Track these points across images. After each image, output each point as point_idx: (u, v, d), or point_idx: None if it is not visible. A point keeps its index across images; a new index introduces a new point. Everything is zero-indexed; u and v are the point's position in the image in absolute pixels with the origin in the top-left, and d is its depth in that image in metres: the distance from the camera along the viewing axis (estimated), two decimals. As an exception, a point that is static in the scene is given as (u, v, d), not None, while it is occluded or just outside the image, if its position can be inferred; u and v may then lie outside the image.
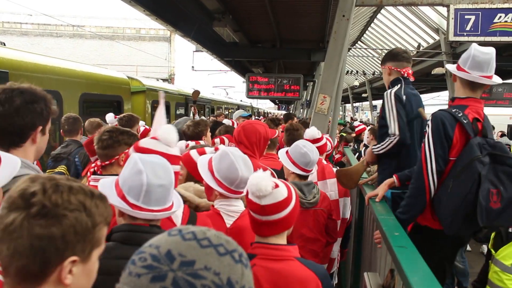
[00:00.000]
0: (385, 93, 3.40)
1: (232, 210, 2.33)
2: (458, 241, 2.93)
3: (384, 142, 3.35)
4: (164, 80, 19.48)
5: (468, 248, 7.79)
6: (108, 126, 4.18)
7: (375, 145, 3.54)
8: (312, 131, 4.29)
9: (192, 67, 22.34)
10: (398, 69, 3.45)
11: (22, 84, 1.98)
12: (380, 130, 3.55)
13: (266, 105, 68.53)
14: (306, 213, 3.19)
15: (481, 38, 6.59)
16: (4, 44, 6.80)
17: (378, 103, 49.00)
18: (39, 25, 41.71)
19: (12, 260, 1.03)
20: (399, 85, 3.38)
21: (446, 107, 2.99)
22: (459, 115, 2.66)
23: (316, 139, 4.17)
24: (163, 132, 2.15)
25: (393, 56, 3.54)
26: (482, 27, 6.52)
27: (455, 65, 2.89)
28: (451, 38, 6.64)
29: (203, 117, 12.62)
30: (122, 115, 5.64)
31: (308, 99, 23.80)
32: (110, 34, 41.41)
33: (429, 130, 2.71)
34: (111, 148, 2.76)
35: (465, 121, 2.64)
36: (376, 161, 3.56)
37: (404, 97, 3.28)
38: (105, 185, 1.79)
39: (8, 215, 1.04)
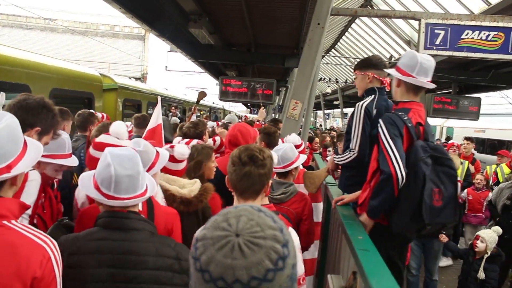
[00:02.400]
0: (357, 104, 3.40)
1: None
2: (404, 238, 3.11)
3: (344, 155, 3.44)
4: (136, 79, 19.27)
5: (449, 262, 8.08)
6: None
7: (336, 155, 3.67)
8: (293, 138, 4.40)
9: (166, 67, 22.22)
10: (380, 78, 3.46)
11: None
12: (346, 137, 3.61)
13: (238, 108, 68.60)
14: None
15: (450, 53, 6.83)
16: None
17: (349, 110, 49.70)
18: (8, 16, 40.52)
19: None
20: (372, 96, 3.38)
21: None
22: (405, 118, 2.83)
23: (296, 146, 4.28)
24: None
25: (375, 64, 3.52)
26: (451, 42, 6.75)
27: (395, 70, 3.06)
28: (421, 51, 6.82)
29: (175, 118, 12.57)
30: (137, 114, 5.67)
31: (280, 104, 23.97)
32: (83, 29, 40.61)
33: (382, 129, 2.83)
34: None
35: (409, 125, 2.81)
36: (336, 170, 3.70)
37: (374, 111, 3.27)
38: (84, 178, 2.00)
39: None
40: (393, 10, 11.07)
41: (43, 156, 2.38)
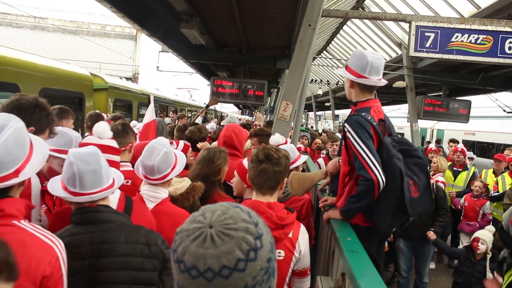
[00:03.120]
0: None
1: (153, 196, 2.60)
2: (381, 235, 3.14)
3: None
4: (127, 79, 19.16)
5: (432, 266, 8.01)
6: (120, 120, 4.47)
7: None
8: (276, 138, 4.41)
9: (157, 67, 22.06)
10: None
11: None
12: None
13: (229, 109, 68.54)
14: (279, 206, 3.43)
15: (439, 55, 6.89)
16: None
17: (340, 112, 49.87)
18: (-3, 14, 40.20)
19: None
20: None
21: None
22: (369, 117, 2.84)
23: (280, 145, 4.32)
24: (97, 127, 2.50)
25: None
26: (441, 44, 6.81)
27: (346, 71, 3.05)
28: (412, 53, 6.88)
29: (167, 118, 12.53)
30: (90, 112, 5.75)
31: (271, 105, 23.99)
32: (74, 28, 40.33)
33: (350, 133, 2.82)
34: (127, 137, 3.32)
35: (374, 123, 2.83)
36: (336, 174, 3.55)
37: None
38: (53, 182, 2.10)
39: None
40: (384, 12, 11.15)
41: (50, 150, 2.50)
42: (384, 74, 17.20)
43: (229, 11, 9.82)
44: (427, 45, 6.81)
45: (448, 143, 11.01)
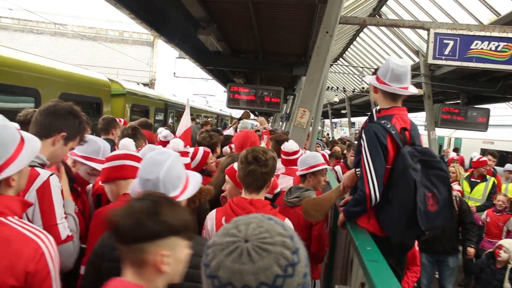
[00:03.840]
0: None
1: None
2: (402, 246, 3.06)
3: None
4: (145, 84, 19.34)
5: None
6: (132, 123, 4.59)
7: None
8: (290, 145, 4.45)
9: (174, 73, 22.23)
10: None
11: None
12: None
13: (245, 116, 68.60)
14: (286, 211, 3.51)
15: (458, 63, 6.80)
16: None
17: (356, 120, 49.58)
18: (19, 20, 40.93)
19: None
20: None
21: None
22: (388, 126, 2.79)
23: (293, 152, 4.43)
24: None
25: None
26: (460, 52, 6.72)
27: (375, 76, 3.05)
28: (430, 61, 6.80)
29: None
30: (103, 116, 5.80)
31: (288, 112, 23.94)
32: (92, 34, 40.91)
33: (364, 142, 2.82)
34: (136, 141, 3.45)
35: (393, 132, 2.77)
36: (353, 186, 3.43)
37: None
38: (134, 183, 2.14)
39: None
40: (401, 19, 11.06)
41: (77, 155, 2.74)
42: (401, 81, 17.11)
43: (246, 18, 9.85)
44: (446, 52, 6.73)
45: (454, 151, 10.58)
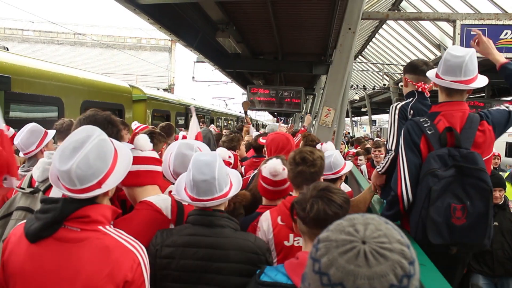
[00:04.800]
0: (391, 106, 3.28)
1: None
2: (451, 258, 2.69)
3: (384, 160, 3.25)
4: (164, 90, 19.48)
5: None
6: (149, 128, 4.58)
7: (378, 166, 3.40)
8: (329, 146, 4.31)
9: (193, 77, 22.35)
10: (414, 82, 3.26)
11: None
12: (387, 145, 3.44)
13: (264, 118, 68.64)
14: None
15: (487, 54, 6.57)
16: (7, 49, 6.75)
17: (377, 117, 49.12)
18: (40, 32, 41.77)
19: None
20: (411, 99, 3.24)
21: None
22: (425, 125, 2.59)
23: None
24: (137, 140, 2.51)
25: (412, 68, 3.34)
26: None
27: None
28: (457, 53, 6.60)
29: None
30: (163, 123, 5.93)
31: (308, 112, 23.80)
32: (111, 42, 41.45)
33: (401, 138, 2.68)
34: (155, 146, 3.40)
35: (429, 132, 2.56)
36: (384, 184, 3.36)
37: (411, 112, 3.12)
38: (179, 183, 2.30)
39: None
40: (426, 12, 10.82)
41: None
42: (424, 76, 16.87)
43: (265, 19, 9.77)
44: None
45: None
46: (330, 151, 3.88)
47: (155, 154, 2.52)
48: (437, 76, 2.69)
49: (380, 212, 3.06)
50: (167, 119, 12.23)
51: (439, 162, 2.45)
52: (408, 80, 3.32)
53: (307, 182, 2.41)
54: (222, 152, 3.77)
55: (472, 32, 5.89)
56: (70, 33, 39.16)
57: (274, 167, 2.79)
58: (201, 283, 2.01)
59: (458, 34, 6.53)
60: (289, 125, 7.55)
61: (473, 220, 2.38)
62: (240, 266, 2.02)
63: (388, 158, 3.18)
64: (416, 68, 3.30)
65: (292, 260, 1.87)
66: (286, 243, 2.48)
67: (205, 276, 2.01)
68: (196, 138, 4.18)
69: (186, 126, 13.60)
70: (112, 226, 1.79)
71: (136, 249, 1.73)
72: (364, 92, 30.38)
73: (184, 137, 5.83)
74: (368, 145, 9.54)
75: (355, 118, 55.28)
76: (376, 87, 25.58)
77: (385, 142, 3.79)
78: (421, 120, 2.63)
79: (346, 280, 0.86)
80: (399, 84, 17.41)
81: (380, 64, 21.53)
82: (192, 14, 9.93)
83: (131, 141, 4.00)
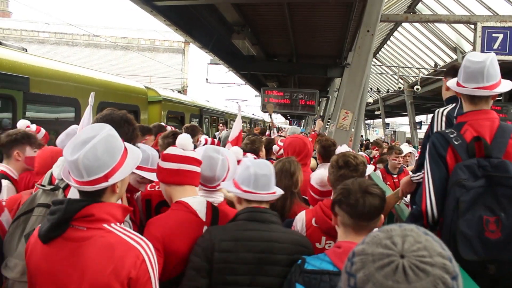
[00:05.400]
0: (436, 111, 3.12)
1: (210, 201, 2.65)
2: (490, 278, 2.42)
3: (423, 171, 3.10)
4: (178, 91, 19.54)
5: None
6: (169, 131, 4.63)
7: (414, 173, 3.24)
8: (345, 149, 4.25)
9: (206, 79, 22.37)
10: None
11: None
12: (423, 149, 3.33)
13: (277, 120, 68.56)
14: None
15: (509, 57, 6.44)
16: (26, 50, 6.78)
17: (390, 120, 48.79)
18: (55, 34, 42.27)
19: None
20: (454, 104, 3.08)
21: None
22: (452, 136, 2.46)
23: None
24: (180, 139, 2.51)
25: (455, 71, 3.09)
26: (510, 45, 6.37)
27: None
28: (478, 57, 6.47)
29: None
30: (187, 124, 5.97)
31: (321, 115, 23.70)
32: (125, 44, 41.77)
33: (426, 152, 2.55)
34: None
35: (456, 143, 2.43)
36: (412, 192, 3.26)
37: (456, 119, 2.95)
38: (227, 184, 2.43)
39: None
40: (446, 15, 10.69)
41: None
42: (439, 80, 16.59)
43: (281, 21, 9.75)
44: (495, 47, 6.39)
45: None
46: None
47: (196, 155, 2.52)
48: (458, 85, 2.55)
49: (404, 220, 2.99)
50: (181, 121, 12.23)
51: (467, 173, 2.32)
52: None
53: None
54: (238, 152, 3.76)
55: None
56: (85, 34, 39.55)
57: (321, 178, 2.83)
58: (260, 274, 2.12)
59: (479, 36, 6.41)
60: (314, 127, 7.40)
61: (509, 233, 2.21)
62: (294, 257, 2.12)
63: None
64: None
65: (334, 249, 2.00)
66: (317, 245, 2.49)
67: (264, 268, 2.11)
68: (237, 138, 4.27)
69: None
70: (119, 224, 1.80)
71: (141, 245, 1.74)
72: (378, 95, 30.18)
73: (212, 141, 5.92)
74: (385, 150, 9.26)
75: (368, 121, 54.95)
76: (390, 90, 25.38)
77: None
78: (447, 131, 2.51)
79: None
80: (414, 87, 17.25)
81: (395, 67, 21.35)
82: (207, 16, 9.94)
83: (155, 145, 4.02)
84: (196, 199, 2.38)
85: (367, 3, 6.28)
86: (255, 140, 4.86)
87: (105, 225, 1.73)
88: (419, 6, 14.94)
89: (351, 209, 1.94)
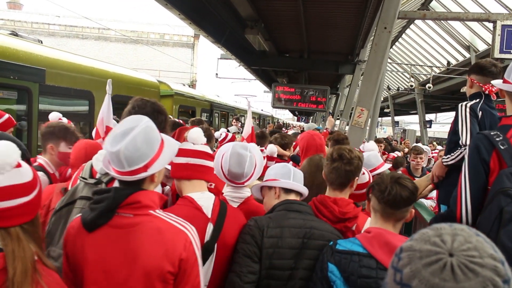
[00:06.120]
0: (459, 104, 3.17)
1: (237, 196, 2.74)
2: None
3: (455, 152, 3.17)
4: (190, 85, 19.52)
5: None
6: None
7: (444, 156, 3.33)
8: (371, 145, 4.17)
9: (216, 74, 22.36)
10: (481, 84, 3.19)
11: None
12: (449, 146, 3.36)
13: (284, 116, 68.42)
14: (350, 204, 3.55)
15: (530, 56, 6.35)
16: (41, 42, 6.79)
17: (399, 119, 48.50)
18: (66, 27, 42.38)
19: None
20: (477, 100, 3.16)
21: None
22: (498, 139, 2.28)
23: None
24: (190, 133, 2.49)
25: (479, 68, 3.26)
26: (530, 45, 6.28)
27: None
28: (497, 55, 6.39)
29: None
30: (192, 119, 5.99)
31: (331, 111, 23.62)
32: (134, 38, 41.80)
33: (466, 154, 2.41)
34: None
35: (502, 147, 2.26)
36: (443, 176, 3.35)
37: (480, 113, 3.07)
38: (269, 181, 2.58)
39: None
40: (465, 12, 10.56)
41: None
42: (451, 78, 16.41)
43: (294, 16, 9.69)
44: (515, 45, 6.29)
45: None
46: (367, 152, 3.77)
47: (207, 149, 2.49)
48: (505, 81, 2.40)
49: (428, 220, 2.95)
50: (192, 115, 12.22)
51: None
52: (475, 81, 3.23)
53: (340, 180, 2.56)
54: (273, 149, 3.81)
55: None
56: (95, 27, 39.62)
57: None
58: (302, 258, 2.26)
59: (499, 35, 6.31)
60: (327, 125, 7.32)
61: None
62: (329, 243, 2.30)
63: (461, 152, 3.11)
64: (484, 69, 3.21)
65: (365, 234, 2.14)
66: None
67: (306, 252, 2.25)
68: (251, 135, 4.28)
69: (210, 123, 13.57)
70: (161, 210, 1.89)
71: (187, 229, 1.84)
72: (387, 93, 30.00)
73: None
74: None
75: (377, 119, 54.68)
76: (400, 88, 25.20)
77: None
78: (492, 133, 2.34)
79: None
80: (426, 86, 17.12)
81: (406, 64, 21.18)
82: (221, 10, 9.90)
83: (177, 137, 4.00)
84: (204, 195, 2.36)
85: (385, 0, 6.21)
86: (286, 136, 5.05)
87: (151, 211, 1.82)
88: (433, 4, 14.80)
89: (380, 194, 2.08)
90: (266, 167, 3.10)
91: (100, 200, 1.80)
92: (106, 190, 1.83)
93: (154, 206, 1.84)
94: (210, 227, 2.25)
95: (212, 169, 2.53)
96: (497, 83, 2.54)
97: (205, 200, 2.32)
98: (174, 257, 1.75)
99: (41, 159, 3.38)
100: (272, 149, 3.69)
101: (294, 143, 5.25)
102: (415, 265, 0.85)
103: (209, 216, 2.28)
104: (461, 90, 16.04)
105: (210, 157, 2.48)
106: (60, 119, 3.99)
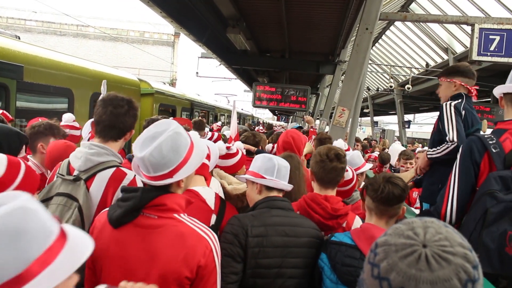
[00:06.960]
0: (444, 104, 3.32)
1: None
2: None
3: (441, 147, 3.28)
4: (170, 84, 19.38)
5: None
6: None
7: (430, 149, 3.48)
8: (339, 143, 4.30)
9: (197, 73, 22.27)
10: (468, 86, 3.40)
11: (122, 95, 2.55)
12: (433, 145, 3.47)
13: (264, 115, 68.51)
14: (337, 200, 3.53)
15: (505, 59, 6.48)
16: (19, 38, 6.64)
17: (379, 119, 49.03)
18: (43, 23, 41.56)
19: None
20: (459, 100, 3.33)
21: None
22: (491, 142, 2.37)
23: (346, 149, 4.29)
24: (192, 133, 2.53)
25: (463, 71, 3.47)
26: (507, 48, 6.42)
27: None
28: (475, 57, 6.52)
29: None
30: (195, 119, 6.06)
31: (311, 111, 23.74)
32: (114, 35, 41.29)
33: (458, 154, 2.50)
34: None
35: (494, 150, 2.34)
36: (427, 170, 3.52)
37: (463, 112, 3.24)
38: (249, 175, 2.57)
39: None
40: (444, 15, 10.75)
41: None
42: (429, 79, 16.65)
43: (276, 16, 9.71)
44: (492, 48, 6.43)
45: None
46: (350, 151, 3.89)
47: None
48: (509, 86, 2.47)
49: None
50: (172, 114, 12.14)
51: (500, 184, 2.23)
52: (462, 84, 3.41)
53: (337, 178, 2.68)
54: (240, 145, 3.81)
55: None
56: (73, 24, 39.01)
57: None
58: (289, 257, 2.29)
59: (476, 38, 6.45)
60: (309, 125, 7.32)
61: None
62: (313, 240, 2.37)
63: (448, 147, 3.22)
64: (468, 73, 3.44)
65: (357, 228, 2.30)
66: None
67: (292, 250, 2.29)
68: (236, 136, 4.31)
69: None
70: (186, 214, 1.91)
71: (209, 236, 1.84)
72: (367, 93, 30.31)
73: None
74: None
75: (356, 119, 55.15)
76: (379, 89, 25.49)
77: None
78: (486, 136, 2.42)
79: (408, 284, 0.84)
80: (405, 87, 17.37)
81: (385, 65, 21.43)
82: (203, 9, 9.86)
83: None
84: (205, 189, 2.49)
85: (367, 1, 6.27)
86: (256, 134, 4.98)
87: (175, 215, 1.84)
88: (412, 6, 15.02)
89: (374, 193, 2.21)
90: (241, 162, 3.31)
91: (127, 198, 1.83)
92: (133, 189, 1.86)
93: (179, 210, 1.87)
94: (213, 218, 2.41)
95: (208, 166, 2.67)
96: (497, 90, 2.60)
97: (207, 193, 2.48)
98: (193, 263, 1.77)
99: (30, 161, 3.34)
100: (239, 145, 3.71)
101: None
102: (391, 258, 0.88)
103: (213, 208, 2.45)
104: (436, 92, 16.27)
105: (208, 157, 2.64)
106: (74, 121, 4.22)
